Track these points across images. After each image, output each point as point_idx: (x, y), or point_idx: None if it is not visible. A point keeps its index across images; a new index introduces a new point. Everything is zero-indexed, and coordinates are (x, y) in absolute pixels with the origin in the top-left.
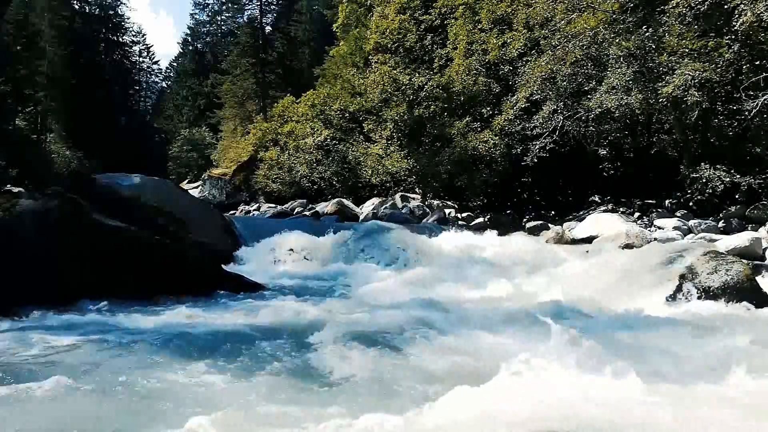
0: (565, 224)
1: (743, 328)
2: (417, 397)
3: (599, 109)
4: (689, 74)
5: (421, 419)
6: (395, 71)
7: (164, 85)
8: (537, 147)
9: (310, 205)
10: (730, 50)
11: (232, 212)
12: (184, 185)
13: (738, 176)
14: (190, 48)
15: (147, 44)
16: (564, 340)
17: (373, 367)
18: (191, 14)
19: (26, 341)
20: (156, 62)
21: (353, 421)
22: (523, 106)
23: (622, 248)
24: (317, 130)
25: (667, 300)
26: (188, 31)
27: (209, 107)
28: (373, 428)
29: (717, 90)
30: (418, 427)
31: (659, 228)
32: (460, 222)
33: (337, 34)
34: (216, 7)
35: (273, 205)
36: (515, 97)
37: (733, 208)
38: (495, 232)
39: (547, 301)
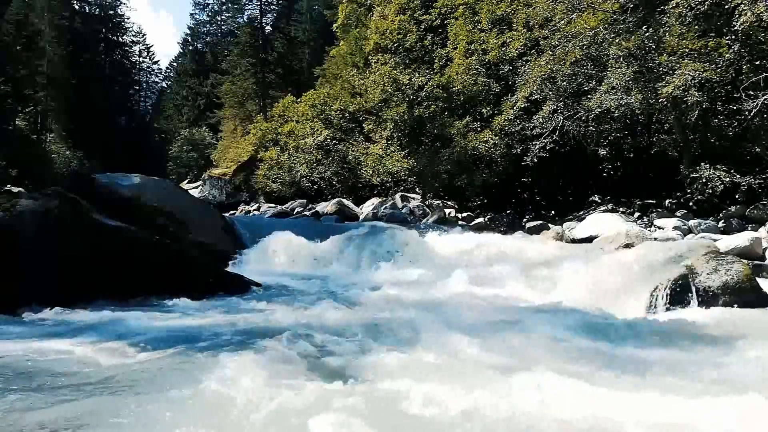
0: (565, 224)
1: (743, 329)
2: (417, 402)
3: (599, 109)
4: (689, 74)
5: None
6: (395, 71)
7: (164, 85)
8: (537, 147)
9: (310, 205)
10: (730, 50)
11: (232, 212)
12: (184, 185)
13: (738, 176)
14: (190, 48)
15: (147, 44)
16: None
17: (372, 365)
18: (191, 14)
19: (26, 341)
20: (156, 62)
21: (352, 420)
22: (523, 106)
23: (622, 248)
24: (317, 130)
25: (667, 300)
26: (188, 31)
27: (209, 107)
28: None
29: (717, 90)
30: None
31: (659, 228)
32: (460, 222)
33: (337, 34)
34: (216, 7)
35: (273, 205)
36: (515, 97)
37: (733, 208)
38: (495, 231)
39: (547, 301)
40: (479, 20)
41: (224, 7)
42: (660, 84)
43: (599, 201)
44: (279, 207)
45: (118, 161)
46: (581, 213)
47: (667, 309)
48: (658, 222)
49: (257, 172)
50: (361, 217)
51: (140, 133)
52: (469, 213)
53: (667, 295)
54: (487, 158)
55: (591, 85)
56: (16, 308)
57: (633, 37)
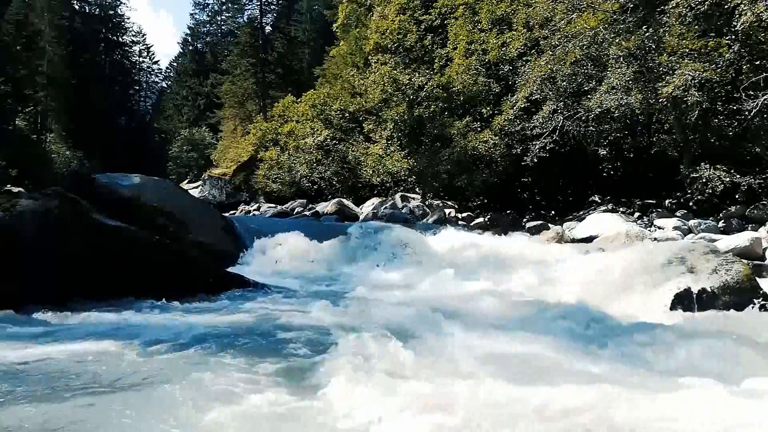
0: (565, 224)
1: (743, 329)
2: (417, 401)
3: (599, 109)
4: (689, 74)
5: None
6: (395, 71)
7: (164, 85)
8: (537, 147)
9: (310, 205)
10: (730, 50)
11: (232, 212)
12: (184, 185)
13: (738, 176)
14: (190, 48)
15: (147, 44)
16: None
17: (371, 365)
18: (191, 14)
19: (25, 341)
20: (156, 62)
21: (353, 421)
22: (523, 106)
23: (622, 248)
24: (317, 130)
25: (667, 300)
26: (188, 31)
27: (209, 107)
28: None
29: (717, 90)
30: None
31: (659, 228)
32: (460, 222)
33: (337, 34)
34: (216, 7)
35: (273, 205)
36: (515, 97)
37: (733, 208)
38: (495, 231)
39: (546, 301)
40: (479, 20)
41: (224, 7)
42: (660, 84)
43: (599, 201)
44: (279, 207)
45: (118, 161)
46: (581, 213)
47: (667, 309)
48: (658, 222)
49: (257, 172)
50: (361, 217)
51: (140, 133)
52: (469, 213)
53: (666, 296)
54: (487, 158)
55: (591, 85)
56: (16, 308)
57: (633, 37)
